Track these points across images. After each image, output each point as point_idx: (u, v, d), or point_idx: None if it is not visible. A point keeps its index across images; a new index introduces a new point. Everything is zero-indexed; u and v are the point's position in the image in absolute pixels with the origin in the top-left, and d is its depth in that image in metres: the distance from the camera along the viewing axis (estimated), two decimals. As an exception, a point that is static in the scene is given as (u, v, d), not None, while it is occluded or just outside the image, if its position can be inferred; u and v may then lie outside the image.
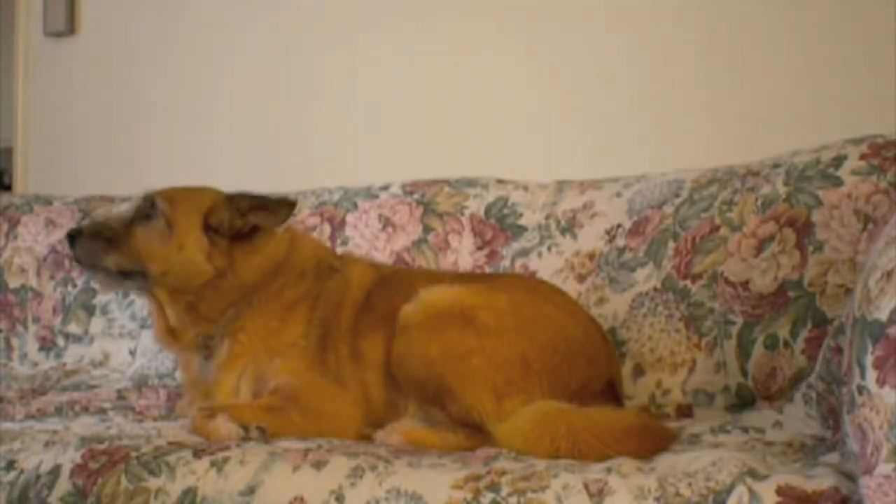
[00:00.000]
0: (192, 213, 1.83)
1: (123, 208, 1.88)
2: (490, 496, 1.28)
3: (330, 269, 1.93)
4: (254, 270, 1.85)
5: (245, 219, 1.84)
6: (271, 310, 1.84)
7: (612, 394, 1.72)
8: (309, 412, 1.72)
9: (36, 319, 2.72)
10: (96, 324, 2.65)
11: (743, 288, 1.83)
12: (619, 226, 2.07)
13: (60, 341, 2.66)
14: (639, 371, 1.90)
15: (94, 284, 2.45)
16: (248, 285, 1.84)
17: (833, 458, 1.33)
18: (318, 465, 1.43)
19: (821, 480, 1.21)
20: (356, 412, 1.76)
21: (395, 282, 1.90)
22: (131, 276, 1.82)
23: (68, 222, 2.80)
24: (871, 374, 1.10)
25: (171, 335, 1.88)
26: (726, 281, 1.85)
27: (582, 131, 2.60)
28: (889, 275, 1.12)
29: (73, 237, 1.82)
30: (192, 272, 1.81)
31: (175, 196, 1.86)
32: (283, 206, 1.85)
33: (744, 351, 1.80)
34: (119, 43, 3.41)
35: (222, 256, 1.82)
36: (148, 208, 1.83)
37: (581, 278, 2.06)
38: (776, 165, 1.92)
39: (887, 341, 1.09)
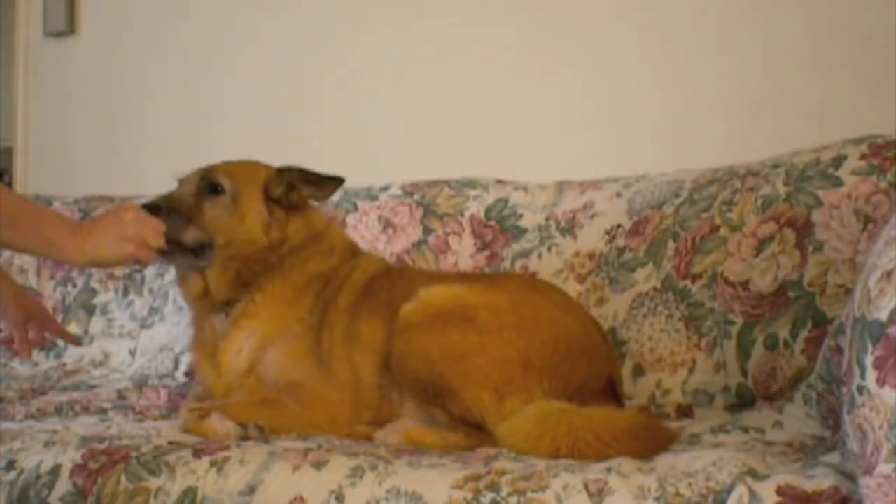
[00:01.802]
0: (253, 186, 1.90)
1: (183, 187, 1.93)
2: (490, 496, 1.28)
3: (353, 254, 1.99)
4: (299, 236, 1.92)
5: (298, 192, 1.92)
6: (292, 278, 1.89)
7: (612, 393, 1.73)
8: (305, 403, 1.74)
9: (36, 319, 2.71)
10: (96, 324, 2.65)
11: (743, 288, 1.83)
12: (619, 226, 2.07)
13: (60, 341, 2.65)
14: (639, 371, 1.90)
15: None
16: (294, 247, 1.90)
17: (833, 458, 1.33)
18: (318, 464, 1.43)
19: (821, 480, 1.21)
20: (347, 396, 1.77)
21: (399, 277, 1.94)
22: (202, 250, 1.85)
23: (68, 222, 2.79)
24: (871, 374, 1.10)
25: (204, 297, 1.90)
26: (726, 281, 1.85)
27: (582, 131, 2.60)
28: (889, 275, 1.12)
29: (151, 211, 1.82)
30: (251, 241, 1.87)
31: (234, 171, 1.92)
32: (330, 181, 1.93)
33: (744, 351, 1.80)
34: (119, 43, 3.41)
35: (279, 228, 1.90)
36: (209, 184, 1.89)
37: (581, 278, 2.06)
38: (776, 165, 1.92)
39: (887, 341, 1.09)
